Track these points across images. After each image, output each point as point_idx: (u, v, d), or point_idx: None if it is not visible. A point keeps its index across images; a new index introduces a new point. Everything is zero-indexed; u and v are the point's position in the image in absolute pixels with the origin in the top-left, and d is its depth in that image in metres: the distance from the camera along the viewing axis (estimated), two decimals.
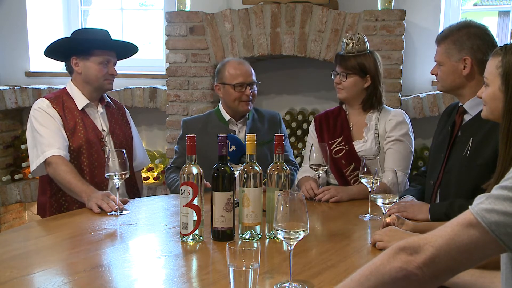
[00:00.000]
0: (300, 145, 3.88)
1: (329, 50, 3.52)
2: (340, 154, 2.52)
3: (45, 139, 2.40)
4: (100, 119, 2.57)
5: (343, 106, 2.63)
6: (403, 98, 3.57)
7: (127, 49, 2.67)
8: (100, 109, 2.59)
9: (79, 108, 2.52)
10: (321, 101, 3.91)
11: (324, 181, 2.59)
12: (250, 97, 2.64)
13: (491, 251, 1.05)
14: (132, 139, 2.71)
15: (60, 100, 2.52)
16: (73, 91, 2.55)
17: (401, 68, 3.49)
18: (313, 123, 2.67)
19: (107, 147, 2.52)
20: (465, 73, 2.07)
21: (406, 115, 2.55)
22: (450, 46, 2.08)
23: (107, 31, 2.59)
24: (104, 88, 2.55)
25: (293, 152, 3.84)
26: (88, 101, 2.54)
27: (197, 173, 1.73)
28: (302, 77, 3.93)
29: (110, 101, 2.66)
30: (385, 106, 2.59)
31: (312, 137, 2.65)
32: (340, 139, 2.54)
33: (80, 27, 4.23)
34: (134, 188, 2.71)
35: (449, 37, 2.09)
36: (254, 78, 2.67)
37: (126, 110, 2.78)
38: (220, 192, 1.72)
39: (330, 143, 2.55)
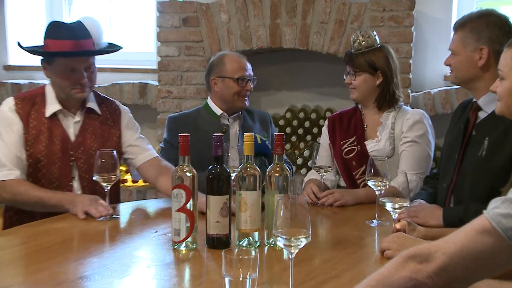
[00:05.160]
0: (301, 144, 3.89)
1: (333, 42, 3.52)
2: (351, 155, 2.53)
3: None
4: (72, 129, 2.36)
5: (359, 106, 2.65)
6: (412, 94, 3.57)
7: (102, 52, 2.45)
8: (78, 117, 2.38)
9: (46, 115, 2.32)
10: (324, 98, 3.91)
11: (334, 183, 2.60)
12: (249, 93, 2.72)
13: (508, 259, 1.05)
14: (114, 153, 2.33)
15: (31, 102, 2.34)
16: (49, 93, 2.36)
17: (411, 62, 3.49)
18: (326, 123, 2.71)
19: (76, 163, 2.34)
20: (480, 64, 2.07)
21: (426, 115, 2.55)
22: (467, 34, 2.08)
23: (80, 23, 2.32)
24: (74, 97, 2.33)
25: (295, 152, 3.86)
26: (59, 107, 2.33)
27: (191, 176, 1.73)
28: (304, 71, 3.93)
29: (96, 107, 2.41)
30: (404, 106, 2.60)
31: (324, 138, 2.68)
32: (352, 139, 2.55)
33: (60, 18, 4.18)
34: (114, 194, 2.51)
35: (467, 25, 2.09)
36: (252, 73, 2.77)
37: (126, 115, 2.50)
38: (215, 195, 1.72)
39: (341, 143, 2.56)
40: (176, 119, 2.79)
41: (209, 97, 2.81)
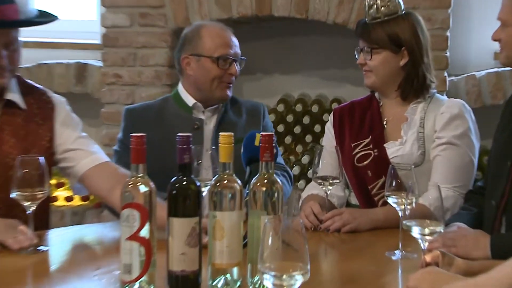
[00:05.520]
0: (299, 147, 3.89)
1: (342, 9, 3.54)
2: (366, 162, 2.55)
3: None
4: None
5: (376, 95, 2.67)
6: (450, 78, 3.59)
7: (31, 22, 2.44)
8: None
9: None
10: (329, 84, 3.93)
11: (343, 201, 2.63)
12: (233, 78, 2.74)
13: None
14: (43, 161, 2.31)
15: None
16: None
17: (448, 34, 3.51)
18: (331, 117, 2.73)
19: None
20: None
21: (468, 107, 2.57)
22: None
23: None
24: None
25: (291, 158, 3.87)
26: None
27: (146, 191, 1.73)
28: (302, 48, 3.94)
29: (18, 100, 2.42)
30: (437, 94, 2.63)
31: (328, 137, 2.70)
32: (367, 140, 2.57)
33: None
34: (41, 217, 2.48)
35: None
36: (239, 51, 2.78)
37: (62, 109, 2.53)
38: (180, 218, 1.72)
39: (352, 145, 2.59)
40: (132, 112, 2.81)
41: (180, 82, 2.83)
